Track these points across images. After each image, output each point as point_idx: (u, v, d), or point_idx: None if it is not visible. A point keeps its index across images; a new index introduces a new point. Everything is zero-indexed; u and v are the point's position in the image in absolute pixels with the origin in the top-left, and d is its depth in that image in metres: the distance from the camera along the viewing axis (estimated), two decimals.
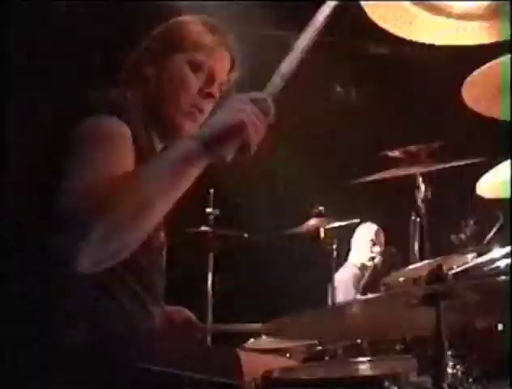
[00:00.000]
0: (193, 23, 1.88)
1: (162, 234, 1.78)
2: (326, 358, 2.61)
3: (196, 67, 1.83)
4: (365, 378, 1.66)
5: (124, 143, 1.57)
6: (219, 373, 1.65)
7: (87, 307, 1.58)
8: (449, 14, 1.71)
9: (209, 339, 3.06)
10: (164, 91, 1.81)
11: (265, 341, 2.83)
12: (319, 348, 2.67)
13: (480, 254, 2.53)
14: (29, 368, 1.53)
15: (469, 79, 1.97)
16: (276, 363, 1.85)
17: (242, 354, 1.78)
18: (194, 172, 1.49)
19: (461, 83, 2.04)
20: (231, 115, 1.45)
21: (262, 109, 1.49)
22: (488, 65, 1.95)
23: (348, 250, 4.80)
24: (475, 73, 1.96)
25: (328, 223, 3.44)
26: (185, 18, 1.91)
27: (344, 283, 4.22)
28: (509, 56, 1.83)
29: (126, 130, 1.58)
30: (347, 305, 1.65)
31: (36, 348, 1.54)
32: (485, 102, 2.02)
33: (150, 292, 1.73)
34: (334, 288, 3.47)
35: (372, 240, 4.59)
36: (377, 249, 4.55)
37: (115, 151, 1.53)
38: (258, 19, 4.71)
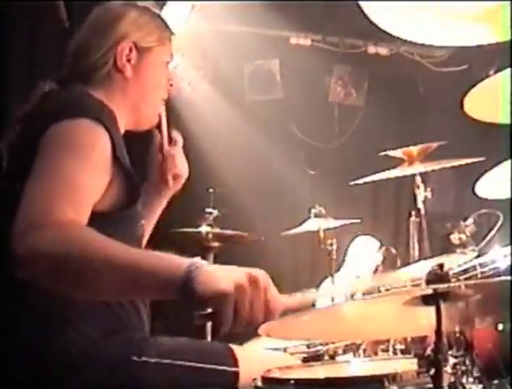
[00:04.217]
0: (148, 14, 1.86)
1: (143, 222, 1.78)
2: (326, 358, 2.61)
3: (167, 62, 1.87)
4: (365, 378, 1.66)
5: (99, 151, 1.53)
6: (214, 361, 1.67)
7: (88, 307, 1.58)
8: (449, 15, 1.71)
9: (209, 338, 3.06)
10: (142, 91, 1.82)
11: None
12: (319, 348, 2.67)
13: (480, 254, 2.53)
14: (29, 369, 1.54)
15: (471, 92, 1.98)
16: (274, 360, 1.85)
17: (238, 349, 1.79)
18: (157, 295, 1.36)
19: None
20: (226, 282, 1.26)
21: (267, 309, 1.30)
22: (488, 79, 1.97)
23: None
24: (476, 88, 1.97)
25: (328, 223, 3.44)
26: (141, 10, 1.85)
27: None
28: (508, 70, 1.84)
29: (105, 136, 1.55)
30: (347, 304, 1.65)
31: (37, 348, 1.54)
32: (487, 111, 2.04)
33: None
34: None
35: (374, 257, 4.44)
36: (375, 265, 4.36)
37: (85, 162, 1.48)
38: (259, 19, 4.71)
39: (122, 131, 1.79)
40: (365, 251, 4.30)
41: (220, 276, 1.28)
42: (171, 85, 1.90)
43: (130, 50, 1.78)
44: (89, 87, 1.72)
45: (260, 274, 1.30)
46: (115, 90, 1.77)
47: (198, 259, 1.31)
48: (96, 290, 1.34)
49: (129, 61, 1.78)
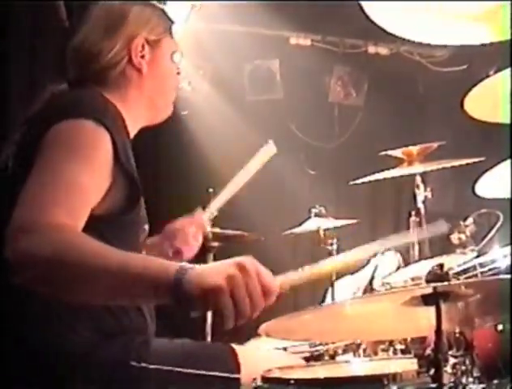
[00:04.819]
0: (149, 6, 1.86)
1: (146, 227, 1.77)
2: (326, 358, 2.61)
3: (173, 52, 1.87)
4: (365, 378, 1.66)
5: (98, 153, 1.51)
6: (217, 367, 1.65)
7: (89, 309, 1.57)
8: (449, 15, 1.71)
9: (209, 339, 3.06)
10: (158, 85, 1.82)
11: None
12: (319, 348, 2.67)
13: (479, 254, 2.53)
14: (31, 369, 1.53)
15: (471, 93, 1.99)
16: (276, 359, 1.85)
17: (240, 350, 1.78)
18: (148, 299, 1.38)
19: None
20: (217, 275, 1.26)
21: (264, 290, 1.29)
22: (488, 79, 1.97)
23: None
24: (476, 88, 1.98)
25: (328, 223, 3.44)
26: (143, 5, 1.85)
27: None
28: (508, 70, 1.84)
29: (106, 138, 1.53)
30: (347, 304, 1.65)
31: (37, 350, 1.54)
32: (487, 111, 2.04)
33: None
34: (334, 289, 3.46)
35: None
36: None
37: (86, 165, 1.46)
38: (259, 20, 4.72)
39: (138, 128, 1.79)
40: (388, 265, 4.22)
41: (209, 273, 1.27)
42: (178, 73, 1.90)
43: (143, 46, 1.78)
44: (102, 87, 1.72)
45: (247, 260, 1.31)
46: (130, 88, 1.77)
47: (186, 263, 1.30)
48: (87, 294, 1.34)
49: (143, 57, 1.78)
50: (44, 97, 1.70)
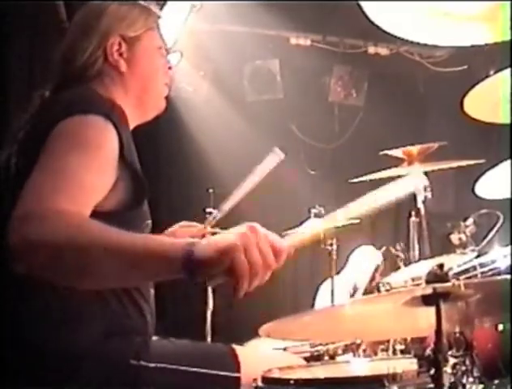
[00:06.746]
0: (128, 3, 1.83)
1: (149, 221, 1.78)
2: (326, 358, 2.61)
3: (159, 48, 1.84)
4: (365, 378, 1.66)
5: (105, 150, 1.51)
6: (216, 366, 1.66)
7: (90, 309, 1.57)
8: (448, 15, 1.71)
9: (209, 339, 3.06)
10: (142, 82, 1.79)
11: None
12: (319, 348, 2.67)
13: (479, 255, 2.53)
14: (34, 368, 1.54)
15: (471, 93, 1.99)
16: (276, 359, 1.85)
17: (240, 350, 1.78)
18: (161, 274, 1.34)
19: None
20: (229, 237, 1.26)
21: (274, 251, 1.29)
22: (487, 80, 1.97)
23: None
24: (476, 88, 1.98)
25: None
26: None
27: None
28: (508, 70, 1.84)
29: (114, 134, 1.53)
30: (347, 305, 1.66)
31: (36, 349, 1.54)
32: (487, 111, 2.04)
33: (141, 294, 1.72)
34: (333, 289, 3.45)
35: (377, 266, 4.36)
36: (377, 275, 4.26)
37: (91, 160, 1.46)
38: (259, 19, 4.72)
39: (131, 128, 1.78)
40: (366, 262, 4.25)
41: (220, 236, 1.28)
42: (170, 68, 1.87)
43: (120, 44, 1.75)
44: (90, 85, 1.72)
45: (255, 224, 1.30)
46: (114, 88, 1.75)
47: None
48: (97, 278, 1.32)
49: (121, 55, 1.75)
50: (38, 100, 1.70)
